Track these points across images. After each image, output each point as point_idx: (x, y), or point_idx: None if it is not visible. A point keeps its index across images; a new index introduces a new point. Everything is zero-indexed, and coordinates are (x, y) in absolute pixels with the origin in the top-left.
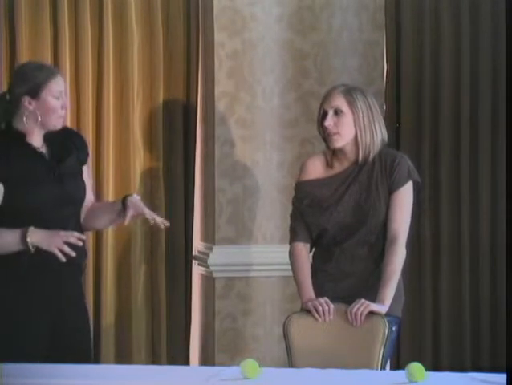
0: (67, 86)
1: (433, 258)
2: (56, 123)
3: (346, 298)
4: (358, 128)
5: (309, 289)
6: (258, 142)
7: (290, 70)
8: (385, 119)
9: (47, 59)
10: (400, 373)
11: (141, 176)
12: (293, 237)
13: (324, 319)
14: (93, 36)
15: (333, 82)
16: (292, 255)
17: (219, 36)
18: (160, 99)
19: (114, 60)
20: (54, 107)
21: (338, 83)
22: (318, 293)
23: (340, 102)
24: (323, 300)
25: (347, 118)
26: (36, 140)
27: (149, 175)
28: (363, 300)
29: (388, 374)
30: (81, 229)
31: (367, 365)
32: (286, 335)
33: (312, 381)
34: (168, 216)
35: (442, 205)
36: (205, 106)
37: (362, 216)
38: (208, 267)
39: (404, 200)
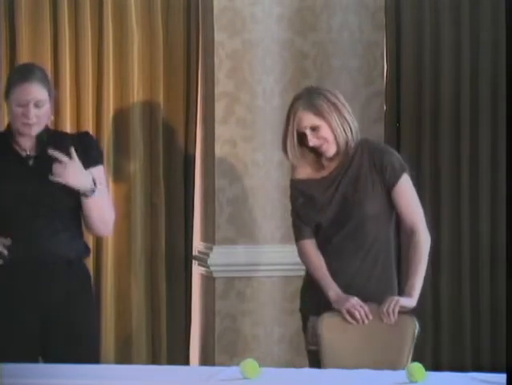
0: (67, 86)
1: (433, 258)
2: (22, 130)
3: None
4: (335, 130)
5: (332, 284)
6: (258, 142)
7: (290, 70)
8: (385, 119)
9: (47, 59)
10: (400, 373)
11: (141, 176)
12: (298, 236)
13: (363, 322)
14: (93, 36)
15: (333, 82)
16: (303, 254)
17: (219, 36)
18: (160, 99)
19: (114, 60)
20: (15, 113)
21: (299, 91)
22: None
23: (310, 119)
24: (354, 301)
25: (324, 128)
26: (25, 140)
27: (149, 175)
28: (391, 297)
29: (388, 374)
30: (65, 237)
31: (396, 365)
32: (317, 335)
33: (312, 381)
34: (168, 216)
35: (442, 205)
36: (205, 106)
37: (349, 211)
38: (208, 267)
39: (407, 191)
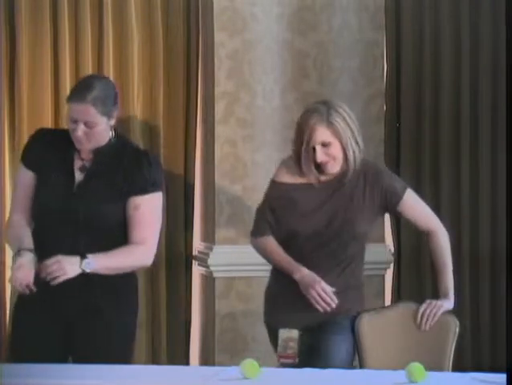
0: (67, 86)
1: None
2: (75, 143)
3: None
4: (346, 150)
5: (297, 266)
6: (258, 142)
7: (290, 70)
8: (385, 119)
9: (47, 59)
10: (400, 373)
11: None
12: (259, 232)
13: (329, 307)
14: (93, 36)
15: (333, 82)
16: (265, 246)
17: (219, 36)
18: (160, 98)
19: (114, 60)
20: (69, 126)
21: (311, 104)
22: (279, 308)
23: (325, 135)
24: (320, 288)
25: (336, 146)
26: (85, 151)
27: None
28: (430, 300)
29: (388, 374)
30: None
31: (439, 364)
32: (356, 335)
33: (312, 381)
34: (168, 217)
35: (442, 205)
36: (205, 106)
37: (337, 229)
38: (208, 267)
39: (414, 202)
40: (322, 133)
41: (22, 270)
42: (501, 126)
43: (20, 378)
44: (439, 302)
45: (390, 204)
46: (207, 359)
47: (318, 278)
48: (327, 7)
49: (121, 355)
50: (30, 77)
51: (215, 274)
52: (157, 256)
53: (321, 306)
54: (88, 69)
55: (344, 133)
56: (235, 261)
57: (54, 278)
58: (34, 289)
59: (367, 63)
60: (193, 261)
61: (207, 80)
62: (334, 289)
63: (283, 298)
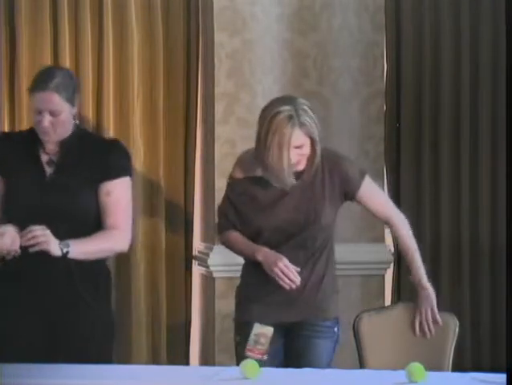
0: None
1: (433, 258)
2: (41, 136)
3: (282, 309)
4: (315, 146)
5: (256, 246)
6: None
7: (290, 70)
8: (385, 119)
9: (47, 59)
10: (400, 373)
11: (141, 177)
12: (223, 228)
13: (294, 284)
14: (93, 36)
15: (333, 82)
16: (227, 238)
17: (219, 36)
18: (160, 99)
19: (114, 60)
20: (34, 120)
21: (276, 104)
22: (252, 304)
23: (301, 139)
24: (282, 265)
25: (307, 145)
26: (51, 144)
27: (149, 175)
28: (419, 309)
29: (388, 374)
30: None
31: (439, 364)
32: (355, 334)
33: (312, 381)
34: (168, 217)
35: (442, 205)
36: (205, 106)
37: (300, 220)
38: (208, 267)
39: (372, 190)
40: (297, 137)
41: (6, 236)
42: (501, 126)
43: (20, 379)
44: (428, 307)
45: (349, 192)
46: (207, 359)
47: (280, 255)
48: (327, 7)
49: (102, 351)
50: (30, 77)
51: (215, 274)
52: (157, 256)
53: (285, 283)
54: (88, 69)
55: (314, 131)
56: (235, 261)
57: (36, 245)
58: (19, 251)
59: (367, 63)
60: (193, 261)
61: (207, 80)
62: (298, 269)
63: (256, 298)
